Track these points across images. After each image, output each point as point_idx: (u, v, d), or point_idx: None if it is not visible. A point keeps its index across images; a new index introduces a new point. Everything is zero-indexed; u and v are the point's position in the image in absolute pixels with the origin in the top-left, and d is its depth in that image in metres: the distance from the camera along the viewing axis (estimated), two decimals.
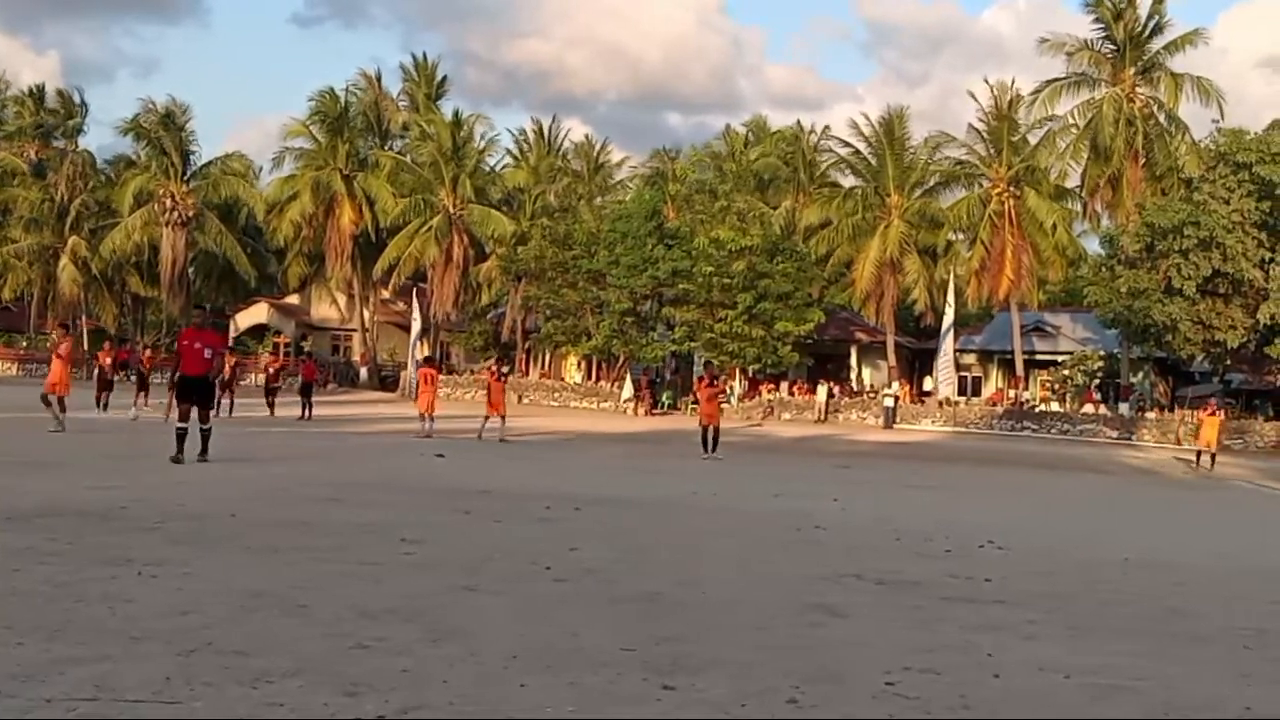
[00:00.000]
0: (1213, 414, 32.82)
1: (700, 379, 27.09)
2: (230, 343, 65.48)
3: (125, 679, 4.69)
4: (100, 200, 65.96)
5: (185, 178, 63.49)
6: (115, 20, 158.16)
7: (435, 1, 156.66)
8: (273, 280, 70.42)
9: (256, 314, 69.75)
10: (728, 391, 46.16)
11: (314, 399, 33.13)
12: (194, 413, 15.27)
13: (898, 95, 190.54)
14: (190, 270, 64.23)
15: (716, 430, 24.14)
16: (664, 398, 52.94)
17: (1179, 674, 6.00)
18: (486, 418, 26.20)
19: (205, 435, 15.17)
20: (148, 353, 34.32)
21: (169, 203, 61.87)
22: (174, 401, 15.93)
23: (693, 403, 47.77)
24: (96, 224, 64.83)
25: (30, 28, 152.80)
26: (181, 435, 14.82)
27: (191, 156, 64.92)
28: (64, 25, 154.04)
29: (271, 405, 32.73)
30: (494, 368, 30.25)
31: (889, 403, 48.25)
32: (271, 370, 36.23)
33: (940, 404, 50.44)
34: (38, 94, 71.49)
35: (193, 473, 14.16)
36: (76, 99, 72.75)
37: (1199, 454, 30.96)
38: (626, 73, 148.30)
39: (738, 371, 51.38)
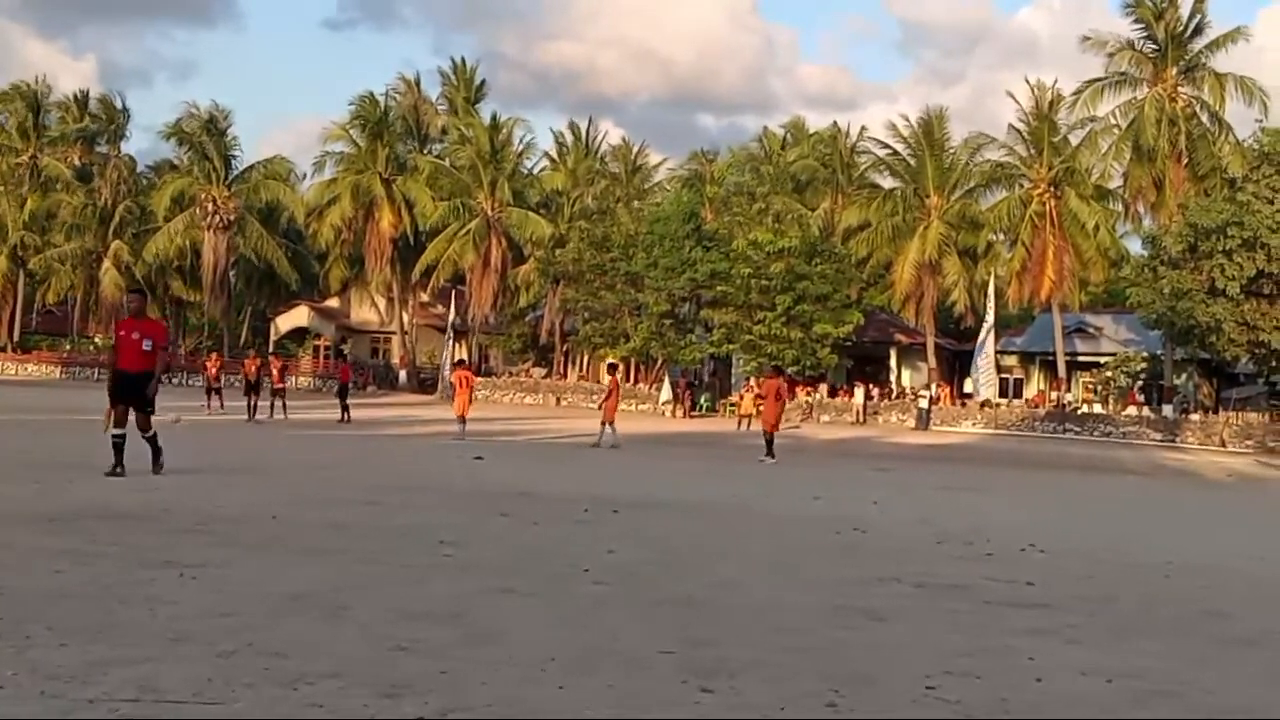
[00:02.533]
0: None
1: (768, 381, 26.51)
2: (271, 346, 66.11)
3: (167, 680, 4.73)
4: (142, 205, 66.50)
5: (227, 182, 63.85)
6: (150, 24, 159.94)
7: (466, 4, 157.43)
8: (313, 283, 70.77)
9: (297, 317, 70.12)
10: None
11: (352, 401, 33.17)
12: (133, 417, 13.02)
13: (932, 95, 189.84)
14: (232, 274, 64.69)
15: (772, 436, 23.57)
16: (703, 400, 52.91)
17: (1221, 678, 5.94)
18: (604, 424, 25.34)
19: (153, 443, 13.05)
20: (216, 359, 34.54)
21: (211, 207, 62.36)
22: (109, 405, 13.23)
23: (730, 405, 47.87)
24: (138, 228, 65.39)
25: (66, 32, 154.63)
26: (118, 444, 12.71)
27: (233, 161, 65.33)
28: (100, 29, 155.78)
29: (275, 407, 32.75)
30: (615, 375, 29.72)
31: (924, 404, 48.14)
32: (277, 373, 36.04)
33: (981, 406, 50.18)
34: (81, 100, 72.08)
35: (232, 476, 14.23)
36: (119, 104, 73.42)
37: None
38: (658, 73, 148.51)
39: (778, 373, 51.25)
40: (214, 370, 32.97)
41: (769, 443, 23.16)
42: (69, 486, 11.67)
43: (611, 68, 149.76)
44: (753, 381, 48.87)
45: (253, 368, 32.05)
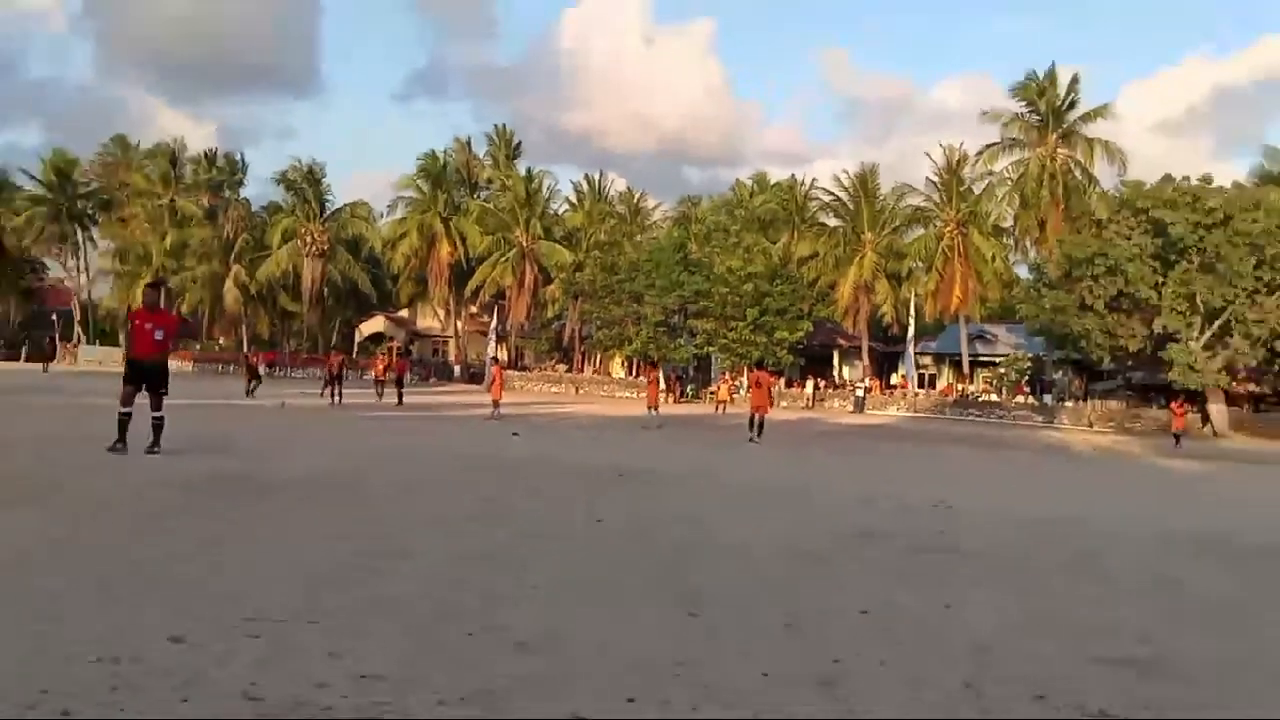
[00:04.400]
0: (1183, 409, 34.20)
1: (756, 373, 24.09)
2: (355, 349, 66.23)
3: (272, 605, 4.72)
4: (256, 237, 66.72)
5: (322, 219, 64.26)
6: (257, 97, 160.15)
7: (500, 81, 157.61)
8: (388, 298, 70.95)
9: (375, 325, 70.32)
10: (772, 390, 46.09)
11: (418, 390, 33.05)
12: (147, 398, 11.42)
13: (866, 153, 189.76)
14: (325, 291, 64.78)
15: (763, 419, 21.23)
16: (689, 389, 53.20)
17: (1089, 603, 5.93)
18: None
19: (157, 425, 11.25)
20: (339, 356, 33.77)
21: (309, 239, 62.76)
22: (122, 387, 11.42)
23: (710, 393, 47.84)
24: (253, 255, 65.58)
25: (192, 103, 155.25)
26: (123, 421, 11.02)
27: (326, 203, 65.74)
28: (218, 101, 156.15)
29: (380, 394, 32.37)
30: (656, 369, 26.48)
31: (860, 393, 48.53)
32: (382, 368, 36.05)
33: (904, 395, 50.38)
34: (209, 156, 72.27)
35: (306, 447, 14.19)
36: (237, 159, 73.67)
37: (1179, 438, 31.48)
38: (652, 136, 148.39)
39: (745, 369, 51.35)
40: (337, 364, 31.83)
41: (760, 424, 20.92)
42: (196, 457, 11.65)
43: (616, 131, 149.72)
44: (728, 374, 49.03)
45: (335, 363, 31.42)
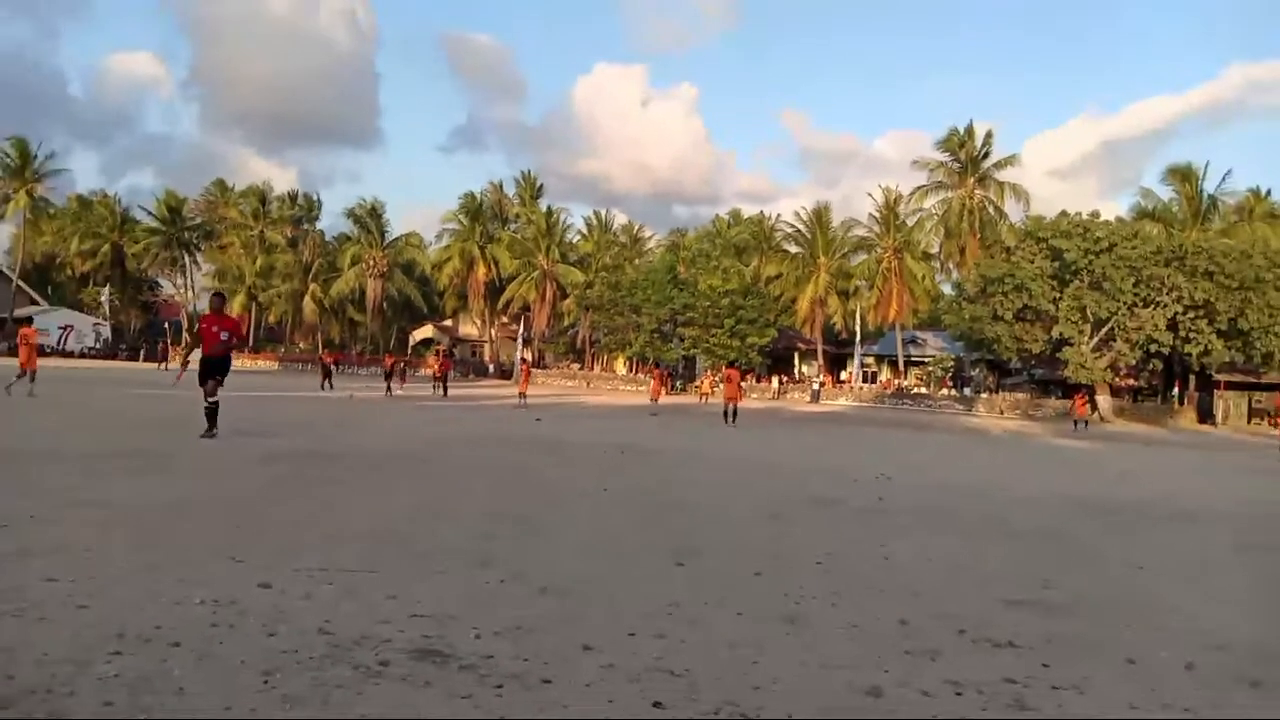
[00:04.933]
0: (1084, 399, 34.14)
1: (728, 370, 22.77)
2: (409, 352, 66.14)
3: (342, 557, 4.72)
4: (329, 261, 66.66)
5: (382, 247, 64.11)
6: (329, 148, 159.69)
7: (526, 137, 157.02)
8: (435, 310, 70.82)
9: (425, 332, 70.17)
10: (741, 384, 46.06)
11: (458, 386, 32.77)
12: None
13: (820, 192, 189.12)
14: (384, 304, 64.81)
15: (736, 408, 21.06)
16: (678, 384, 53.16)
17: (1000, 558, 5.94)
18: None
19: (211, 412, 10.69)
20: (392, 358, 33.18)
21: (372, 263, 62.66)
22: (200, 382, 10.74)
23: (694, 387, 47.82)
24: (326, 276, 65.48)
25: (278, 153, 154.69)
26: (211, 412, 10.60)
27: (386, 234, 65.66)
28: (298, 151, 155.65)
29: (439, 389, 31.69)
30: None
31: (815, 386, 48.39)
32: (437, 367, 35.40)
33: (851, 388, 50.42)
34: (292, 196, 72.35)
35: (370, 430, 14.18)
36: (315, 198, 73.70)
37: (1078, 423, 31.24)
38: (647, 179, 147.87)
39: (723, 367, 51.31)
40: (390, 363, 31.13)
41: (734, 412, 20.80)
42: (280, 437, 11.64)
43: (619, 176, 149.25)
44: (709, 371, 48.99)
45: (389, 361, 31.07)
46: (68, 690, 2.78)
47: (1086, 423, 31.79)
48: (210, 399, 10.64)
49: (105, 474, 7.28)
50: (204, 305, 70.40)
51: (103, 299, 64.93)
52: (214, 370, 10.84)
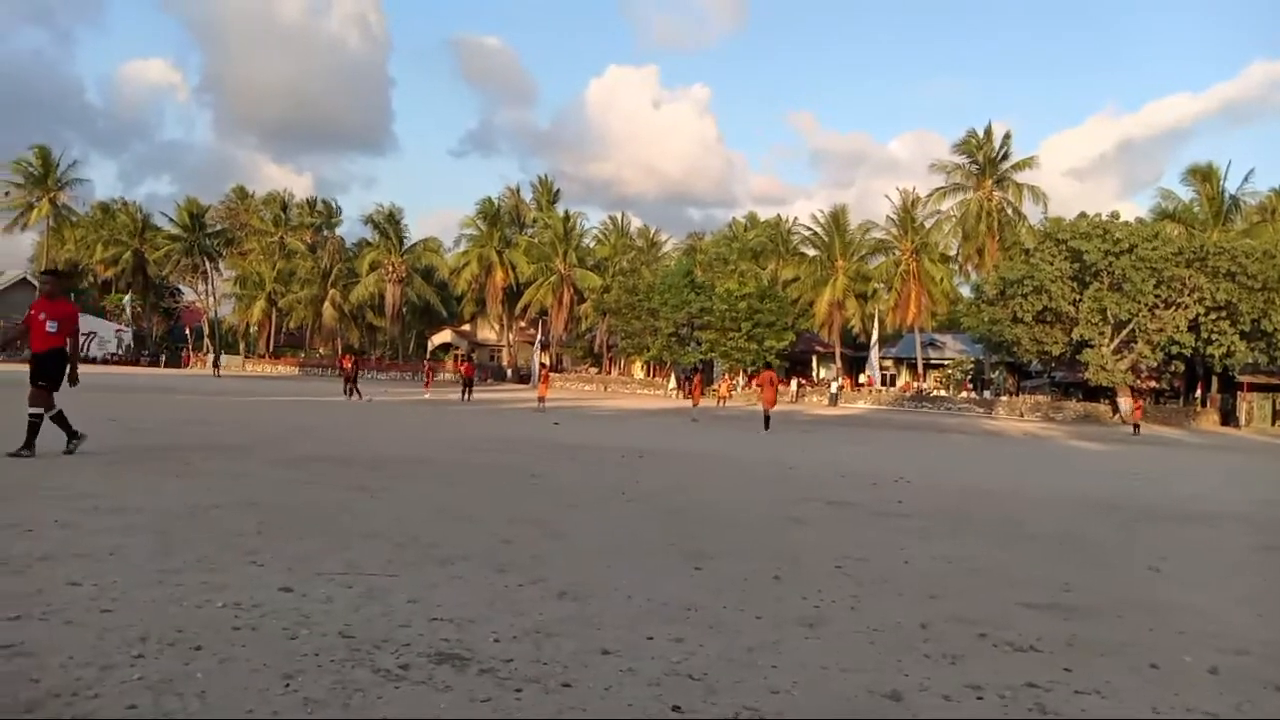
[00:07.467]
0: (1136, 400, 33.91)
1: (764, 373, 22.32)
2: (428, 356, 66.40)
3: (364, 561, 4.74)
4: (349, 267, 67.10)
5: (401, 252, 64.55)
6: (344, 154, 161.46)
7: (538, 140, 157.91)
8: (454, 315, 71.15)
9: (444, 336, 70.50)
10: (777, 387, 45.99)
11: (478, 389, 32.88)
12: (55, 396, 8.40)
13: (835, 195, 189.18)
14: (403, 309, 65.10)
15: (769, 414, 20.74)
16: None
17: (1017, 560, 5.89)
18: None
19: (32, 426, 8.13)
20: (429, 363, 33.09)
21: (391, 268, 63.15)
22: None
23: (713, 390, 47.72)
24: (346, 281, 65.94)
25: (292, 159, 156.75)
26: (33, 425, 8.16)
27: (404, 239, 66.01)
28: (313, 157, 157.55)
29: (466, 394, 30.86)
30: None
31: (834, 390, 48.21)
32: (463, 370, 34.85)
33: (870, 391, 50.18)
34: (312, 203, 72.98)
35: (393, 435, 14.23)
36: (333, 204, 74.32)
37: (1137, 426, 30.68)
38: (660, 182, 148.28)
39: (743, 371, 51.24)
40: (349, 364, 27.81)
41: (766, 419, 20.35)
42: (295, 441, 11.71)
43: (632, 179, 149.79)
44: (727, 375, 48.93)
45: (348, 362, 28.50)
46: (92, 693, 2.81)
47: (1137, 427, 30.68)
48: (33, 408, 8.16)
49: (124, 479, 7.35)
50: (224, 311, 71.37)
51: (125, 305, 65.73)
52: (40, 372, 8.31)
